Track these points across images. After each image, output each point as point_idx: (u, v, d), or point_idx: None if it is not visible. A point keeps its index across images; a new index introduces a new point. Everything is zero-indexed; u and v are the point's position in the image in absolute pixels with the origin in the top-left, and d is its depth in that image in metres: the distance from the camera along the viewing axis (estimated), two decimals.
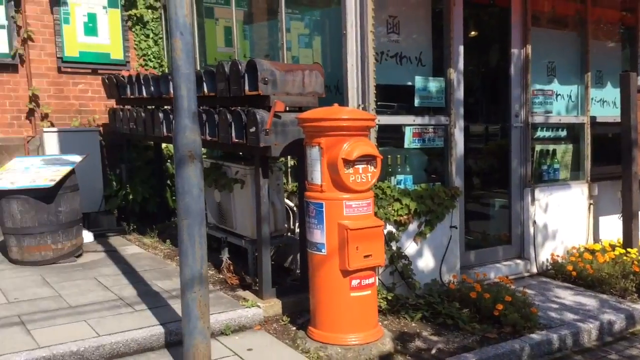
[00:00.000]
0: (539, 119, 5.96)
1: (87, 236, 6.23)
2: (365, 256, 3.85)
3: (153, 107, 6.15)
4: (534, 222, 5.82)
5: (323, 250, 3.88)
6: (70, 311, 4.18)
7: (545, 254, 5.92)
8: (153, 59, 7.81)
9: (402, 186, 5.00)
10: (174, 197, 6.94)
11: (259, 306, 4.33)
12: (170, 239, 6.19)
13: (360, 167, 3.85)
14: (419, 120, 5.11)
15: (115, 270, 5.22)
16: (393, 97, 5.28)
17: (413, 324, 4.42)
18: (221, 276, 5.03)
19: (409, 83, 5.11)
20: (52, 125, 7.04)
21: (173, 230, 6.36)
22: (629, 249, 5.70)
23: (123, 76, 6.54)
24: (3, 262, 5.47)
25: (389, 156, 5.04)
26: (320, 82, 4.55)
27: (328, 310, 3.91)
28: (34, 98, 6.97)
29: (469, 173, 5.80)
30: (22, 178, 5.44)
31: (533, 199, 5.82)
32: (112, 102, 7.12)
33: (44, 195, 5.32)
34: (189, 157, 3.39)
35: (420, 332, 4.27)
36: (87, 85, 7.35)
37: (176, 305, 4.24)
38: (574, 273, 5.50)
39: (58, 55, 7.13)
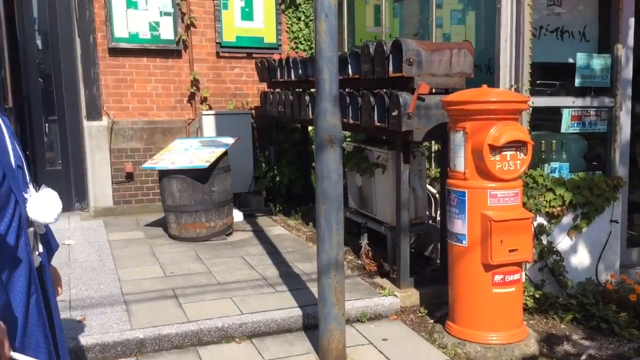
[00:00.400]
0: None
1: (238, 215, 6.53)
2: (510, 250, 3.60)
3: (300, 90, 6.25)
4: None
5: (464, 242, 3.69)
6: (218, 287, 4.40)
7: None
8: (303, 42, 7.94)
9: (556, 174, 4.60)
10: None
11: (395, 295, 4.25)
12: (313, 222, 6.28)
13: (508, 153, 3.59)
14: (579, 102, 4.66)
15: (261, 250, 5.41)
16: (549, 76, 4.88)
17: (562, 326, 4.08)
18: (359, 262, 5.01)
19: (570, 60, 4.67)
20: (210, 108, 7.44)
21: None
22: None
23: (274, 60, 6.71)
24: (163, 237, 5.90)
25: (543, 141, 4.66)
26: (469, 62, 4.30)
27: (467, 306, 3.72)
28: (194, 82, 7.40)
29: (634, 160, 5.20)
30: (181, 159, 5.81)
31: None
32: (264, 86, 7.36)
33: (199, 176, 5.64)
34: (328, 141, 3.37)
35: (570, 335, 3.93)
36: (242, 70, 7.66)
37: (315, 289, 4.26)
38: None
39: (217, 41, 7.49)
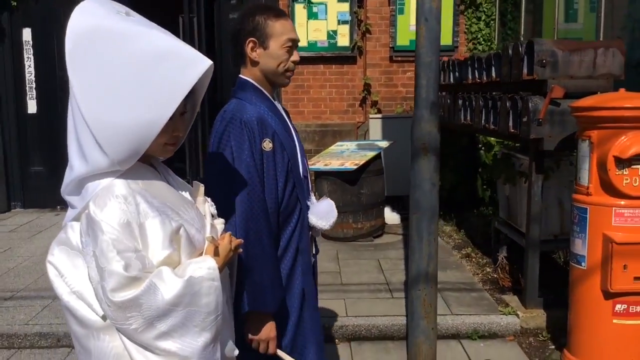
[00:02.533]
0: None
1: (394, 218, 6.52)
2: (637, 278, 3.10)
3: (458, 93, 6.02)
4: None
5: (583, 264, 3.26)
6: (338, 288, 4.48)
7: None
8: (483, 42, 7.61)
9: None
10: (484, 186, 6.71)
11: (517, 315, 3.90)
12: (466, 230, 6.02)
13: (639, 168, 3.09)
14: None
15: (400, 254, 5.34)
16: None
17: None
18: (495, 276, 4.68)
19: None
20: (380, 111, 7.53)
21: (473, 220, 6.18)
22: None
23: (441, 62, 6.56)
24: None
25: None
26: (618, 62, 3.78)
27: (584, 335, 3.28)
28: (366, 87, 7.55)
29: None
30: (334, 161, 6.00)
31: None
32: None
33: (348, 178, 5.77)
34: (422, 149, 3.26)
35: None
36: (414, 73, 7.59)
37: None
38: None
39: (390, 45, 7.55)
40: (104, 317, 1.50)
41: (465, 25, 7.60)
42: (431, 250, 3.28)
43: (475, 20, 7.57)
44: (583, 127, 3.31)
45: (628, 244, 3.07)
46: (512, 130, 4.09)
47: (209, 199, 1.74)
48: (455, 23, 7.55)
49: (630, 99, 3.17)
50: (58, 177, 1.67)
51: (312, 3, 7.46)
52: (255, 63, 2.07)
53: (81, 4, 1.49)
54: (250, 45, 2.04)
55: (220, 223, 1.74)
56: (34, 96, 7.58)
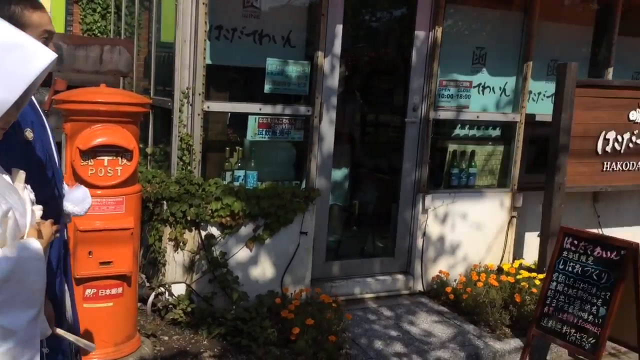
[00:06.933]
0: (445, 114, 5.08)
1: None
2: (103, 263, 3.35)
3: None
4: (424, 233, 4.98)
5: None
6: None
7: (436, 271, 5.06)
8: (99, 34, 7.58)
9: (237, 183, 4.40)
10: None
11: None
12: None
13: (105, 159, 3.35)
14: (268, 109, 4.46)
15: None
16: (244, 80, 4.68)
17: (205, 342, 3.87)
18: None
19: (264, 66, 4.47)
20: None
21: None
22: (538, 274, 4.75)
23: None
24: None
25: (227, 149, 4.46)
26: (125, 60, 4.06)
27: None
28: None
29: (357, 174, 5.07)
30: None
31: (425, 207, 4.97)
32: None
33: None
34: None
35: (201, 353, 3.71)
36: None
37: None
38: (451, 296, 4.69)
39: None
40: None
41: (80, 15, 7.48)
42: None
43: (91, 11, 7.49)
44: (63, 119, 3.46)
45: (90, 231, 3.30)
46: None
47: (28, 186, 1.77)
48: (68, 13, 7.39)
49: (97, 94, 3.41)
50: None
51: None
52: None
53: None
54: None
55: (38, 209, 1.79)
56: None
